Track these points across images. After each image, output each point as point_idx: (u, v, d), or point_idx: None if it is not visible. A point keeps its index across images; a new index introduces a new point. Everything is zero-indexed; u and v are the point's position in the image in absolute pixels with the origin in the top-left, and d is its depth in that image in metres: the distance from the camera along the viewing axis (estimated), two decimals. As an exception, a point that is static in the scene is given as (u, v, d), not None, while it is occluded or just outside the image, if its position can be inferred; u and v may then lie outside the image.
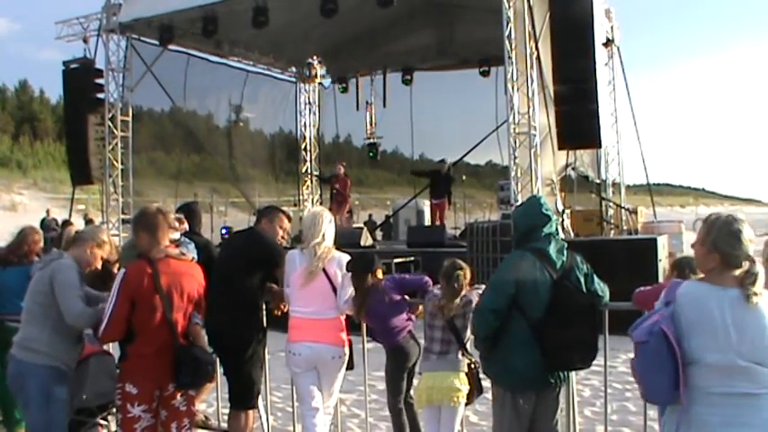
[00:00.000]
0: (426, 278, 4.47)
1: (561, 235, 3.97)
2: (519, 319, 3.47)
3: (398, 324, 4.40)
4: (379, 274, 4.42)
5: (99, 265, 4.00)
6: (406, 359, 4.43)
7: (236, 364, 4.35)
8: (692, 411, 2.49)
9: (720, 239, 2.56)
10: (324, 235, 4.23)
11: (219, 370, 4.27)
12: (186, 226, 5.04)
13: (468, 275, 4.15)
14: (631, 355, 8.23)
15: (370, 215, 20.31)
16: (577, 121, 10.12)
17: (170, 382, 3.56)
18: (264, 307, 4.64)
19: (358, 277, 4.22)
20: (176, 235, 4.54)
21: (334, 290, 4.18)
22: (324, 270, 4.17)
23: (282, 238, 4.69)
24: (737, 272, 2.53)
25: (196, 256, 4.23)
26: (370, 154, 17.76)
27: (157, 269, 3.52)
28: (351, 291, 4.23)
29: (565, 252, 3.59)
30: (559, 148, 10.95)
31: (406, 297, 4.47)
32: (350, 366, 4.42)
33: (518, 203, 9.76)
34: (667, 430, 2.61)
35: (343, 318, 4.28)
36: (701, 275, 2.67)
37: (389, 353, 4.48)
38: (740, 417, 2.44)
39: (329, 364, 4.20)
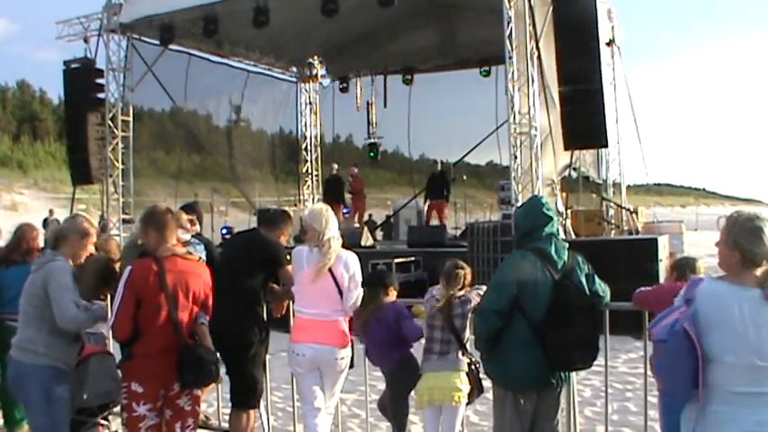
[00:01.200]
0: (422, 334, 4.28)
1: (562, 235, 3.96)
2: (520, 320, 3.47)
3: (395, 351, 4.34)
4: (392, 295, 4.39)
5: (92, 250, 3.98)
6: (406, 385, 4.30)
7: (238, 363, 4.35)
8: (710, 410, 2.47)
9: (740, 236, 2.52)
10: (334, 230, 4.19)
11: (222, 370, 4.26)
12: (198, 228, 5.04)
13: (469, 276, 4.15)
14: (632, 355, 8.19)
15: (369, 215, 20.29)
16: (583, 122, 10.13)
17: (175, 382, 3.55)
18: (266, 307, 4.65)
19: (372, 291, 4.22)
20: (187, 236, 4.54)
21: (340, 292, 4.15)
22: (330, 271, 4.12)
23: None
24: (758, 271, 2.49)
25: (204, 257, 4.22)
26: (371, 154, 17.80)
27: (164, 267, 3.51)
28: (357, 293, 4.19)
29: (566, 252, 3.59)
30: (565, 149, 10.95)
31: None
32: (350, 365, 4.41)
33: (519, 204, 9.76)
34: (684, 429, 2.59)
35: (346, 319, 4.27)
36: (721, 274, 2.64)
37: (388, 379, 4.42)
38: (757, 416, 2.42)
39: (332, 365, 4.19)
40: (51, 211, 18.16)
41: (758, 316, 2.43)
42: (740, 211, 2.66)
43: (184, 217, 4.70)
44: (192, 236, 4.82)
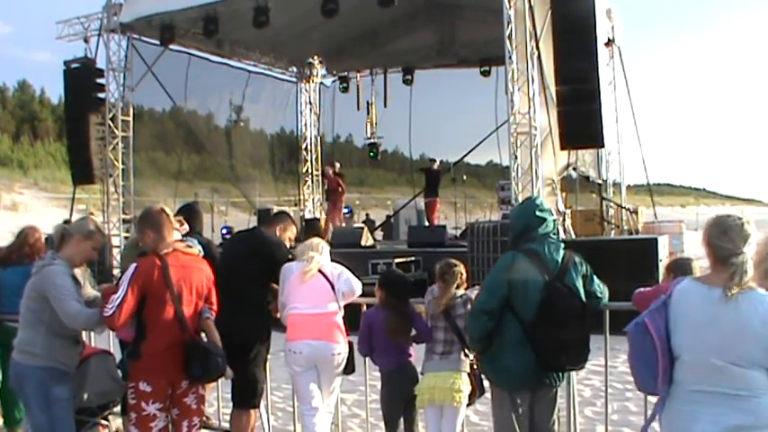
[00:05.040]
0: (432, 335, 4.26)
1: (562, 235, 3.97)
2: (512, 320, 3.48)
3: (397, 354, 4.32)
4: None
5: (95, 255, 3.97)
6: (402, 386, 4.27)
7: (240, 363, 4.34)
8: (672, 408, 2.55)
9: (710, 232, 2.59)
10: (320, 251, 4.36)
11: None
12: (186, 227, 5.04)
13: (465, 273, 4.16)
14: (632, 356, 8.05)
15: (366, 214, 20.24)
16: (580, 122, 10.12)
17: (182, 379, 3.56)
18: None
19: (400, 301, 4.26)
20: (178, 235, 4.54)
21: (333, 287, 4.23)
22: (320, 270, 4.25)
23: (288, 239, 4.76)
24: (728, 271, 2.50)
25: (202, 252, 4.23)
26: (371, 154, 17.81)
27: (167, 263, 3.54)
28: (347, 281, 4.30)
29: (561, 253, 3.59)
30: (561, 149, 10.94)
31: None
32: (351, 370, 4.41)
33: (518, 203, 9.76)
34: (655, 420, 2.69)
35: (341, 315, 4.29)
36: (701, 275, 2.70)
37: (384, 376, 4.40)
38: (713, 416, 2.43)
39: (329, 361, 4.21)
40: (92, 213, 16.69)
41: (719, 315, 2.45)
42: (722, 214, 2.71)
43: (173, 218, 4.71)
44: (184, 235, 4.81)
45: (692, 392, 2.48)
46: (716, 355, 2.43)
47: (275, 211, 5.32)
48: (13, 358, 3.75)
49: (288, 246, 4.73)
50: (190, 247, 3.83)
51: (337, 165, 15.44)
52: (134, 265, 3.56)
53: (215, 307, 3.79)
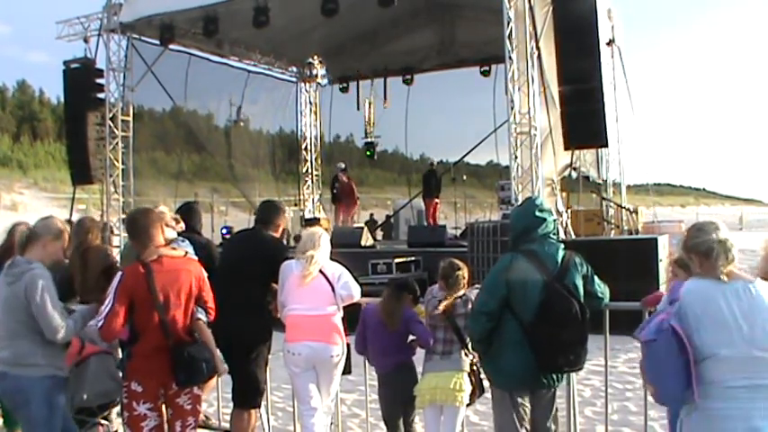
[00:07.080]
0: (431, 340, 4.21)
1: (562, 235, 3.97)
2: (511, 321, 3.49)
3: (395, 356, 4.32)
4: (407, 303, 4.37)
5: (62, 255, 3.92)
6: (402, 386, 4.25)
7: (241, 363, 4.36)
8: (712, 407, 2.48)
9: (689, 239, 2.65)
10: (321, 247, 4.30)
11: (224, 366, 4.23)
12: (183, 226, 5.04)
13: (467, 275, 4.15)
14: (632, 355, 8.20)
15: (371, 214, 20.27)
16: (583, 121, 10.12)
17: (172, 381, 3.58)
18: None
19: (399, 294, 4.29)
20: (173, 234, 4.54)
21: (333, 289, 4.21)
22: (321, 271, 4.22)
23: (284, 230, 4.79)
24: (726, 266, 2.54)
25: (192, 252, 4.21)
26: (367, 153, 17.81)
27: (151, 270, 3.54)
28: (348, 284, 4.27)
29: (560, 254, 3.59)
30: (565, 148, 10.95)
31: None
32: (348, 371, 4.41)
33: (518, 204, 9.75)
34: (686, 430, 2.60)
35: (340, 316, 4.28)
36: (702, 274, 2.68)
37: (382, 378, 4.40)
38: (762, 409, 2.42)
39: (327, 362, 4.21)
40: (104, 217, 14.09)
41: (747, 308, 2.47)
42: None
43: (168, 216, 4.71)
44: (182, 234, 4.80)
45: (731, 389, 2.45)
46: (755, 346, 2.43)
47: (267, 203, 5.25)
48: (6, 373, 3.60)
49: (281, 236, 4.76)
50: (174, 249, 3.82)
51: (342, 164, 15.51)
52: (119, 274, 3.59)
53: (210, 305, 3.79)
